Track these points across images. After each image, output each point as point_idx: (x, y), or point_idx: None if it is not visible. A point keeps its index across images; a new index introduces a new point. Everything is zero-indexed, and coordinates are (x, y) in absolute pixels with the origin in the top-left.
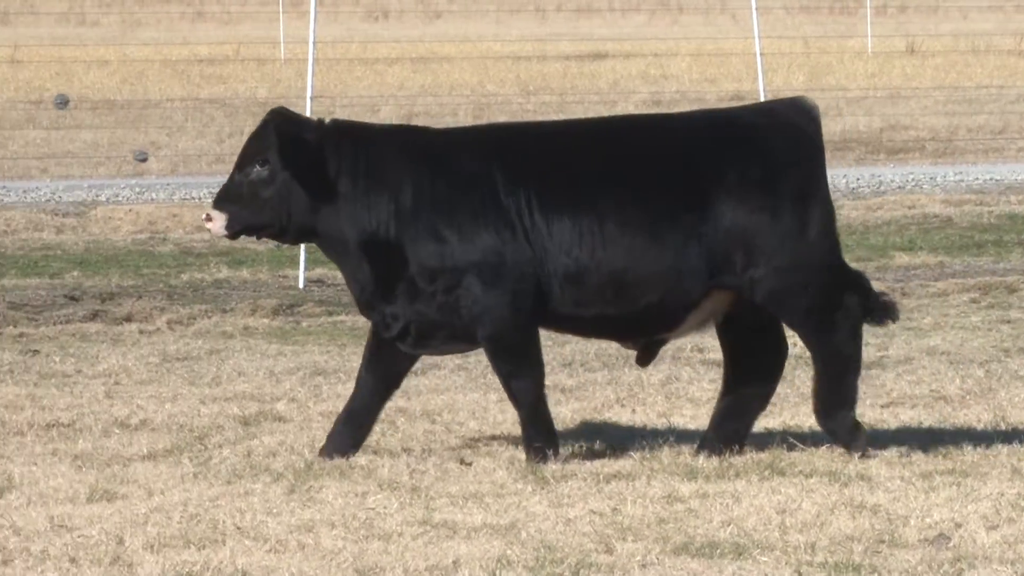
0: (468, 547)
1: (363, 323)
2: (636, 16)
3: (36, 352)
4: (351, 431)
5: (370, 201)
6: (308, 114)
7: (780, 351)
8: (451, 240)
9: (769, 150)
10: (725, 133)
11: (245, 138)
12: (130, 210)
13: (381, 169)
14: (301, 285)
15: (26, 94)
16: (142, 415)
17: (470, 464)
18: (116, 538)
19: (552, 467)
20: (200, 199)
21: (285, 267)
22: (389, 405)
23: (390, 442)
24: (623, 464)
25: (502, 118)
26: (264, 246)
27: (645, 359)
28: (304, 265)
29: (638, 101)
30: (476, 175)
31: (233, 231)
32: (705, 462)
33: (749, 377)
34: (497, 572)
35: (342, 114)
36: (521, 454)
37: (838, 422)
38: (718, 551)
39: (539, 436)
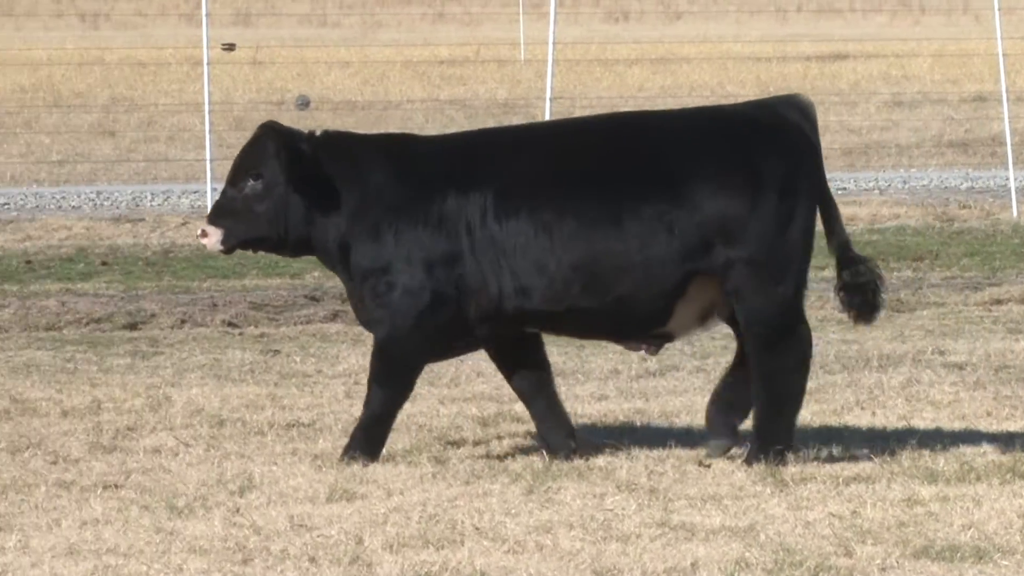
0: (706, 549)
1: None
2: (877, 16)
3: (277, 352)
4: (556, 429)
5: (359, 210)
6: (548, 115)
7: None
8: (387, 242)
9: (756, 143)
10: (713, 127)
11: None
12: None
13: (370, 179)
14: None
15: (268, 95)
16: None
17: (708, 466)
18: (355, 538)
19: (792, 469)
20: None
21: None
22: (626, 406)
23: (628, 444)
24: (862, 467)
25: None
26: None
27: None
28: None
29: (879, 102)
30: (442, 181)
31: (229, 246)
32: (945, 465)
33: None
34: (735, 574)
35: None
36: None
37: (767, 452)
38: (958, 555)
39: (365, 443)
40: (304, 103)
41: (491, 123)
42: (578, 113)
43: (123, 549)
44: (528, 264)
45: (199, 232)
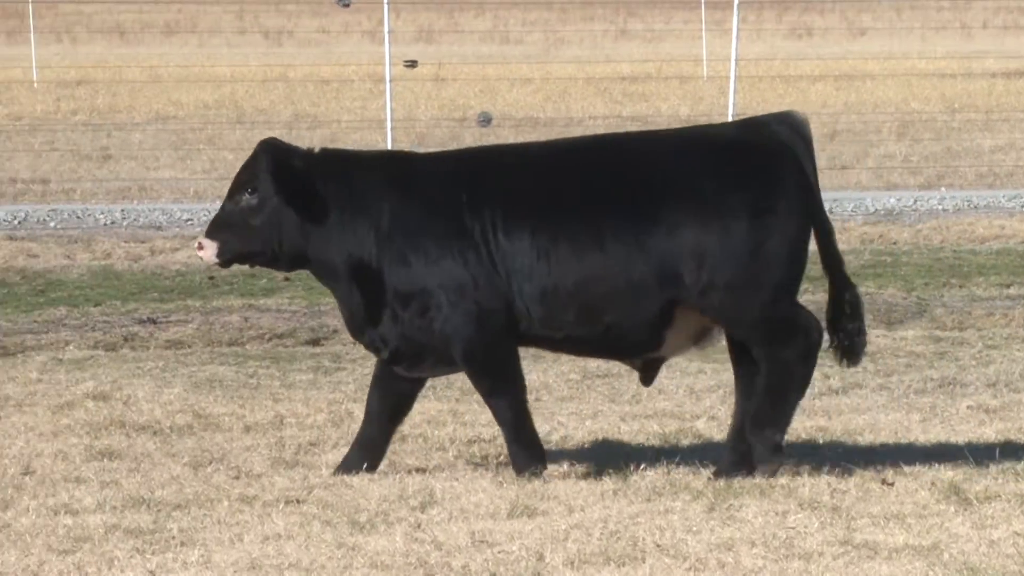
0: (889, 568)
1: None
2: None
3: None
4: (365, 457)
5: (355, 227)
6: None
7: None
8: (417, 264)
9: (733, 164)
10: (694, 148)
11: None
12: None
13: (363, 195)
14: None
15: (450, 112)
16: (562, 431)
17: (891, 484)
18: (536, 554)
19: (976, 487)
20: None
21: None
22: (808, 424)
23: (810, 461)
24: None
25: (927, 136)
26: None
27: (646, 379)
28: None
29: None
30: (444, 199)
31: (225, 259)
32: None
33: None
34: None
35: None
36: (941, 473)
37: (761, 439)
38: None
39: (523, 453)
40: (486, 120)
41: None
42: None
43: (305, 564)
44: (525, 285)
45: (196, 245)
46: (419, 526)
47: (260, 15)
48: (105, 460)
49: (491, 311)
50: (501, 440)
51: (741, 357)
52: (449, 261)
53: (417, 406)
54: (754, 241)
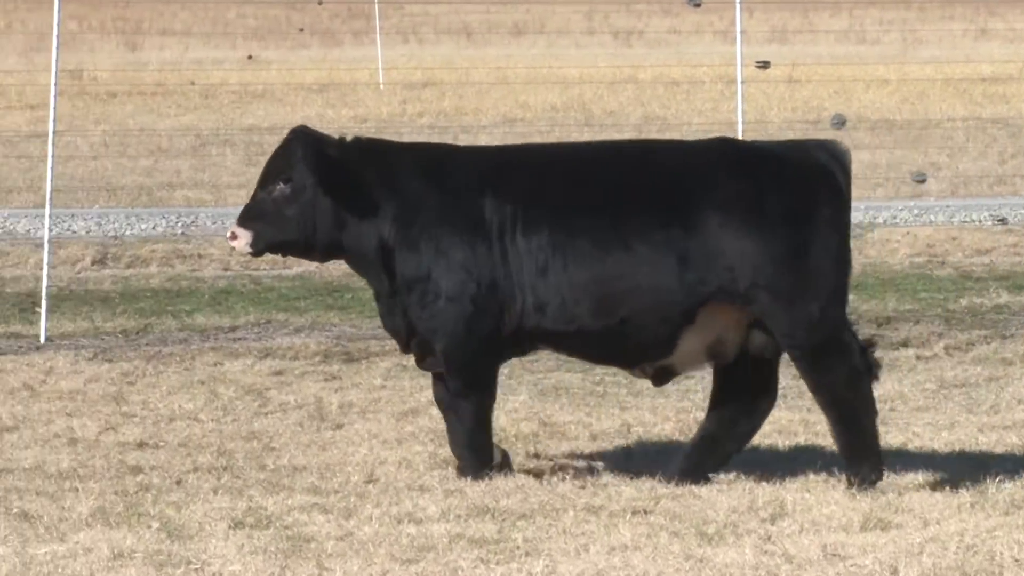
0: None
1: None
2: None
3: None
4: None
5: (385, 218)
6: None
7: (769, 393)
8: (426, 255)
9: (775, 178)
10: (739, 159)
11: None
12: (907, 232)
13: (394, 186)
14: None
15: (803, 114)
16: (918, 442)
17: None
18: (890, 568)
19: None
20: (980, 222)
21: None
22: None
23: None
24: None
25: None
26: None
27: (658, 382)
28: None
29: None
30: (467, 193)
31: (258, 248)
32: None
33: (734, 414)
34: None
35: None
36: None
37: (867, 469)
38: None
39: (472, 457)
40: (840, 122)
41: None
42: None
43: None
44: (544, 282)
45: (229, 234)
46: (769, 538)
47: (610, 15)
48: (449, 468)
49: (484, 314)
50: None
51: (725, 382)
52: (459, 256)
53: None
54: (791, 251)
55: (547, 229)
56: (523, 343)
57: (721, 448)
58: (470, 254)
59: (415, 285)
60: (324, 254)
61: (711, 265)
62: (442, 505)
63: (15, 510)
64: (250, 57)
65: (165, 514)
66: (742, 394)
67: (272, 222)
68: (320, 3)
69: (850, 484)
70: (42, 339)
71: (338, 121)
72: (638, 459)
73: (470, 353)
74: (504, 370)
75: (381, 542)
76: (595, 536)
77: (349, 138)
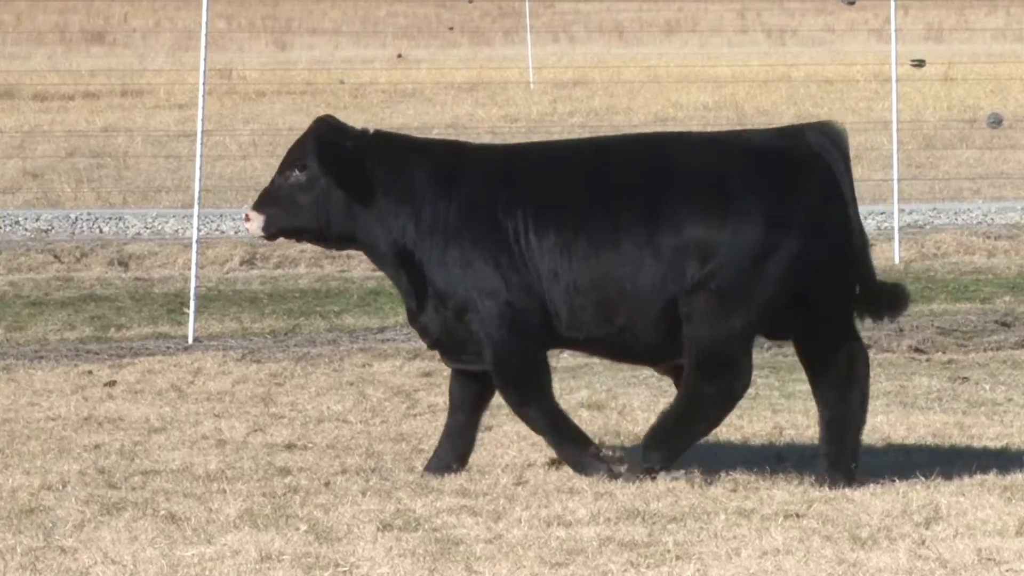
0: None
1: None
2: None
3: (965, 379)
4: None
5: (398, 213)
6: None
7: (857, 358)
8: (455, 265)
9: (755, 171)
10: (721, 151)
11: None
12: None
13: (409, 181)
14: None
15: (959, 112)
16: None
17: None
18: None
19: None
20: None
21: None
22: None
23: None
24: None
25: None
26: None
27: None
28: None
29: None
30: (483, 195)
31: (270, 232)
32: None
33: (836, 391)
34: None
35: None
36: None
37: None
38: None
39: (574, 450)
40: (996, 121)
41: None
42: None
43: None
44: (557, 286)
45: (244, 217)
46: (923, 542)
47: (763, 13)
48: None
49: (524, 311)
50: (1009, 454)
51: (812, 366)
52: (483, 261)
53: (922, 418)
54: (756, 248)
55: (560, 228)
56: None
57: (847, 424)
58: (494, 260)
59: (449, 299)
60: (337, 243)
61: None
62: (592, 508)
63: (162, 512)
64: (400, 56)
65: (313, 516)
66: (831, 369)
67: (286, 208)
68: (471, 1)
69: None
70: (190, 340)
71: (488, 121)
72: (790, 462)
73: (519, 356)
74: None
75: (530, 545)
76: (746, 540)
77: (371, 131)
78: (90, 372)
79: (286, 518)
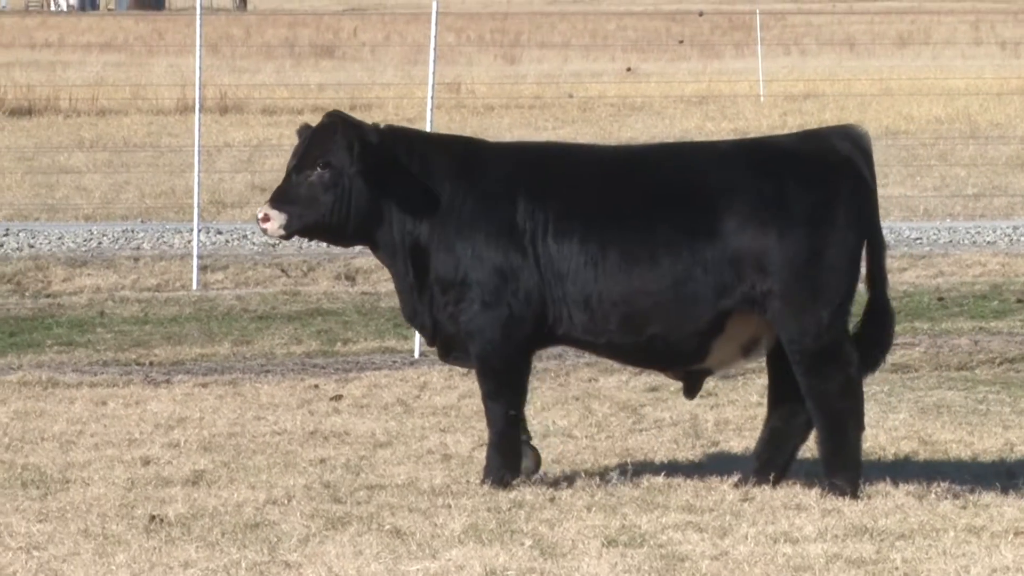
0: None
1: None
2: None
3: None
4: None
5: (415, 207)
6: None
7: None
8: (463, 255)
9: (791, 174)
10: (756, 160)
11: None
12: None
13: (425, 177)
14: None
15: None
16: None
17: None
18: None
19: None
20: None
21: None
22: None
23: None
24: None
25: None
26: None
27: (690, 391)
28: None
29: None
30: (500, 193)
31: (290, 231)
32: None
33: (793, 405)
34: None
35: None
36: None
37: (842, 480)
38: None
39: (499, 460)
40: None
41: None
42: None
43: None
44: (575, 290)
45: (260, 216)
46: None
47: (996, 25)
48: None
49: (520, 318)
50: None
51: (778, 377)
52: (493, 257)
53: None
54: (813, 248)
55: (580, 233)
56: (550, 342)
57: (788, 442)
58: (504, 257)
59: (450, 288)
60: (352, 240)
61: (732, 271)
62: (819, 525)
63: (387, 526)
64: (629, 69)
65: (538, 531)
66: (796, 386)
67: (308, 206)
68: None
69: (823, 491)
70: (416, 354)
71: (718, 134)
72: (1021, 478)
73: (506, 357)
74: (884, 388)
75: (756, 561)
76: (976, 557)
77: (383, 125)
78: (316, 386)
79: (511, 533)
